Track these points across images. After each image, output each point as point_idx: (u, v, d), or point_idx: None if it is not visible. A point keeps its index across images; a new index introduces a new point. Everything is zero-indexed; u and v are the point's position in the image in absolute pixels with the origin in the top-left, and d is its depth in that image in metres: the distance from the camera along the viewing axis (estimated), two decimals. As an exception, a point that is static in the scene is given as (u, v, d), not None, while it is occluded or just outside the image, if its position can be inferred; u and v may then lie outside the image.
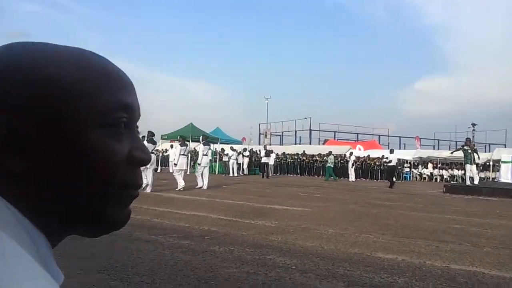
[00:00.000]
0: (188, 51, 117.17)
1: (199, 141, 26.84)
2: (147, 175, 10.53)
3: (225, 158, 23.05)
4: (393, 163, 18.92)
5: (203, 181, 12.68)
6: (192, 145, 27.55)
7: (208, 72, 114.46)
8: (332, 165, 23.04)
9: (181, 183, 11.54)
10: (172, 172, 13.50)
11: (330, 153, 23.92)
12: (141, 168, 0.51)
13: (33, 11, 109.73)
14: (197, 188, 12.51)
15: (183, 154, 12.36)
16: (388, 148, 44.99)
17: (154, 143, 11.76)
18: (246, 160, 24.52)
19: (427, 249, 4.81)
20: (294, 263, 3.93)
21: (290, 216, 7.13)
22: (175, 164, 12.60)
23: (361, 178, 26.23)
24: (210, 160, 25.31)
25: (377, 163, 27.09)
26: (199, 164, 13.13)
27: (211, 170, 24.69)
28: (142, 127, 0.53)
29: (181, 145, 12.72)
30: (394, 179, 18.90)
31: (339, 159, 27.86)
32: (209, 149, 13.77)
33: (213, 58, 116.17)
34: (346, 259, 4.17)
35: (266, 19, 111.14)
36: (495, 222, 7.42)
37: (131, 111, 0.47)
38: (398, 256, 4.37)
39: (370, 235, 5.58)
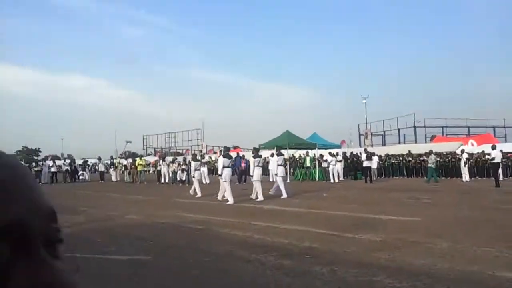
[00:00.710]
0: (275, 55, 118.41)
1: (297, 149, 26.93)
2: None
3: (324, 164, 22.66)
4: (496, 160, 17.18)
5: (282, 190, 13.15)
6: (290, 152, 27.68)
7: (301, 76, 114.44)
8: (433, 165, 21.42)
9: (260, 195, 12.04)
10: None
11: (430, 152, 22.31)
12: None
13: (138, 35, 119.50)
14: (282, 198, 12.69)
15: (258, 166, 12.88)
16: (506, 141, 41.01)
17: (230, 157, 12.74)
18: (339, 165, 23.83)
19: None
20: (404, 286, 3.62)
21: (397, 228, 6.69)
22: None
23: (476, 177, 24.01)
24: (308, 167, 25.30)
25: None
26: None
27: (312, 177, 24.57)
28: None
29: (254, 157, 13.05)
30: (500, 177, 17.19)
31: (449, 158, 25.88)
32: (284, 158, 14.35)
33: (304, 61, 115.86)
34: (463, 280, 3.75)
35: (356, 15, 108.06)
36: None
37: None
38: (528, 275, 3.82)
39: (490, 248, 4.99)
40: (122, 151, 74.55)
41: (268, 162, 24.74)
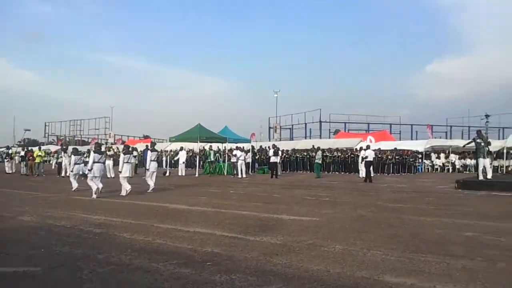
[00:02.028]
0: (194, 44, 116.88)
1: (208, 142, 26.86)
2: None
3: (233, 159, 22.88)
4: (369, 158, 19.36)
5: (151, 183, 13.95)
6: (201, 145, 27.53)
7: (217, 67, 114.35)
8: (320, 161, 22.83)
9: (126, 187, 12.58)
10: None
11: (318, 148, 23.75)
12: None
13: (44, 11, 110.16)
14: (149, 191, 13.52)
15: (127, 162, 13.06)
16: (400, 138, 44.73)
17: (102, 153, 13.10)
18: (247, 158, 24.29)
19: (438, 267, 4.60)
20: (297, 295, 3.77)
21: (297, 229, 6.96)
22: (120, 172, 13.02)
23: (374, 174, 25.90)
24: (212, 161, 25.38)
25: (389, 157, 26.74)
26: (147, 170, 14.36)
27: (220, 171, 24.68)
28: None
29: (124, 154, 13.21)
30: (371, 174, 19.31)
31: (349, 153, 27.58)
32: (158, 154, 15.02)
33: (220, 52, 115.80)
34: (352, 286, 3.99)
35: (270, 11, 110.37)
36: (509, 226, 7.18)
37: None
38: (407, 279, 4.18)
39: (378, 251, 5.39)
40: (20, 139, 68.66)
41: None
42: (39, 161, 23.81)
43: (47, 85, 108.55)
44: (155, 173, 14.28)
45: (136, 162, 23.34)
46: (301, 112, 54.13)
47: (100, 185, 12.30)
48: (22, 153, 26.08)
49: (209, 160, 25.43)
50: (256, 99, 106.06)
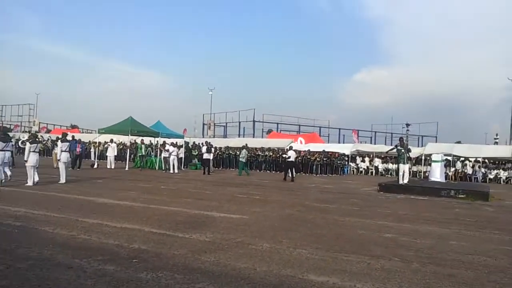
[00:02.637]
0: (131, 37, 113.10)
1: (139, 135, 26.13)
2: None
3: (165, 154, 22.49)
4: (291, 159, 20.35)
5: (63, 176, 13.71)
6: (133, 138, 26.74)
7: (154, 60, 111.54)
8: (244, 160, 23.18)
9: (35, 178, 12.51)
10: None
11: (243, 147, 24.11)
12: None
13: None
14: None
15: (34, 151, 12.85)
16: (328, 141, 46.40)
17: (6, 141, 12.64)
18: (180, 154, 24.03)
19: (358, 267, 4.87)
20: (223, 293, 3.81)
21: (226, 227, 7.01)
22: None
23: (302, 173, 26.71)
24: (144, 155, 24.77)
25: (317, 158, 27.67)
26: (59, 160, 14.20)
27: (152, 166, 24.15)
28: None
29: (31, 143, 13.00)
30: (294, 174, 20.38)
31: (280, 153, 28.18)
32: (68, 144, 14.57)
33: (157, 45, 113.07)
34: (277, 284, 4.11)
35: (210, 8, 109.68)
36: (424, 228, 7.73)
37: None
38: (330, 277, 4.38)
39: (304, 249, 5.59)
40: None
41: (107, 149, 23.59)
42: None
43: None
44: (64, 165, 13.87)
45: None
46: (235, 111, 54.47)
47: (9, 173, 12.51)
48: None
49: (140, 154, 24.77)
50: (191, 96, 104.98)
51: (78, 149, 21.43)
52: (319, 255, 5.35)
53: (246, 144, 24.92)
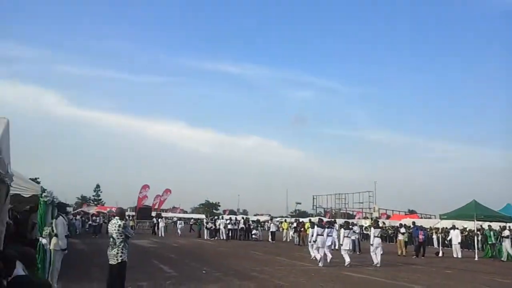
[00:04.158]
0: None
1: (485, 221, 23.21)
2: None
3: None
4: None
5: None
6: (479, 224, 24.08)
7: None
8: None
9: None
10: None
11: None
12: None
13: (305, 96, 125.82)
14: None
15: (347, 236, 14.88)
16: None
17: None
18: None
19: None
20: None
21: None
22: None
23: None
24: (494, 243, 21.40)
25: None
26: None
27: (501, 255, 20.76)
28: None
29: (345, 229, 15.07)
30: None
31: None
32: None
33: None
34: None
35: None
36: None
37: None
38: None
39: None
40: (292, 210, 76.28)
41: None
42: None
43: (312, 161, 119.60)
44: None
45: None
46: None
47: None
48: (295, 224, 28.78)
49: (490, 242, 21.89)
50: None
51: (420, 236, 20.91)
52: None
53: None
